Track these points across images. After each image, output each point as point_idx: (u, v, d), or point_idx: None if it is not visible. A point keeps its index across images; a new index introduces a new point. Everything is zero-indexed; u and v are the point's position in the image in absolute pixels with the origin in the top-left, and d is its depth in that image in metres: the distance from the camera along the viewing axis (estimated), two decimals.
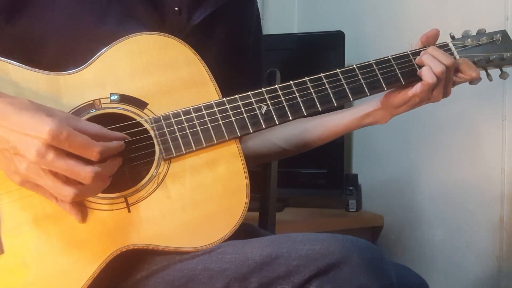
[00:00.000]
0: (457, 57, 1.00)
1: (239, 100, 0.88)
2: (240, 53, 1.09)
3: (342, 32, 1.81)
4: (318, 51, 1.86)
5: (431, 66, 0.95)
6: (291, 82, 0.91)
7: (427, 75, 0.94)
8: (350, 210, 1.85)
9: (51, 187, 0.74)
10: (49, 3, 0.91)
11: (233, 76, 1.00)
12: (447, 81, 0.97)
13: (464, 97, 1.46)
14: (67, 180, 0.73)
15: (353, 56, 1.78)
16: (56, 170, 0.72)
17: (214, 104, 0.87)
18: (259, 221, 1.28)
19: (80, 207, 0.79)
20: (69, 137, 0.71)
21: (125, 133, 0.82)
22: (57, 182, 0.73)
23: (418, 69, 0.97)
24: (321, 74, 0.93)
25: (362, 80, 0.94)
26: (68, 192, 0.73)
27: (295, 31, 2.22)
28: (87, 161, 0.74)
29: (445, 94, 0.99)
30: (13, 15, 0.90)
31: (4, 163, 0.74)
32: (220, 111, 0.87)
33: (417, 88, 0.96)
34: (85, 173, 0.72)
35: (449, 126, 1.56)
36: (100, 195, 0.80)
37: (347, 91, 0.92)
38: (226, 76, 0.92)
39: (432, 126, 1.61)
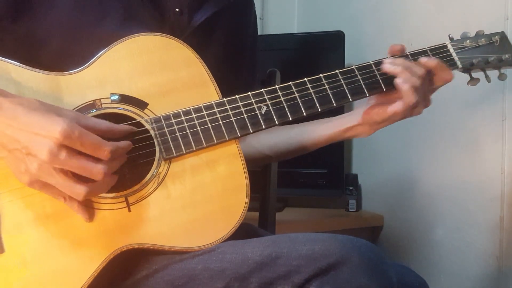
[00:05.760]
0: (456, 58, 1.00)
1: (239, 101, 0.88)
2: (238, 54, 1.10)
3: (342, 32, 1.81)
4: (318, 51, 1.86)
5: (411, 83, 0.91)
6: (290, 82, 0.92)
7: (408, 94, 0.92)
8: (350, 210, 1.85)
9: (63, 185, 0.74)
10: (50, 3, 0.91)
11: (230, 77, 1.00)
12: (424, 92, 0.95)
13: (464, 97, 1.46)
14: (77, 178, 0.74)
15: (353, 56, 1.78)
16: (69, 169, 0.73)
17: (214, 105, 0.87)
18: (259, 221, 1.28)
19: (86, 206, 0.79)
20: (81, 137, 0.72)
21: None
22: (69, 180, 0.74)
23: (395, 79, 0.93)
24: (321, 75, 0.93)
25: (361, 80, 0.94)
26: (80, 190, 0.74)
27: (295, 31, 2.22)
28: (95, 159, 0.74)
29: (426, 105, 0.97)
30: (18, 15, 0.90)
31: (14, 163, 0.75)
32: (220, 111, 0.87)
33: (398, 106, 0.94)
34: (97, 170, 0.74)
35: (449, 126, 1.56)
36: (101, 194, 0.80)
37: (347, 91, 0.93)
38: (224, 77, 0.92)
39: (432, 126, 1.61)
